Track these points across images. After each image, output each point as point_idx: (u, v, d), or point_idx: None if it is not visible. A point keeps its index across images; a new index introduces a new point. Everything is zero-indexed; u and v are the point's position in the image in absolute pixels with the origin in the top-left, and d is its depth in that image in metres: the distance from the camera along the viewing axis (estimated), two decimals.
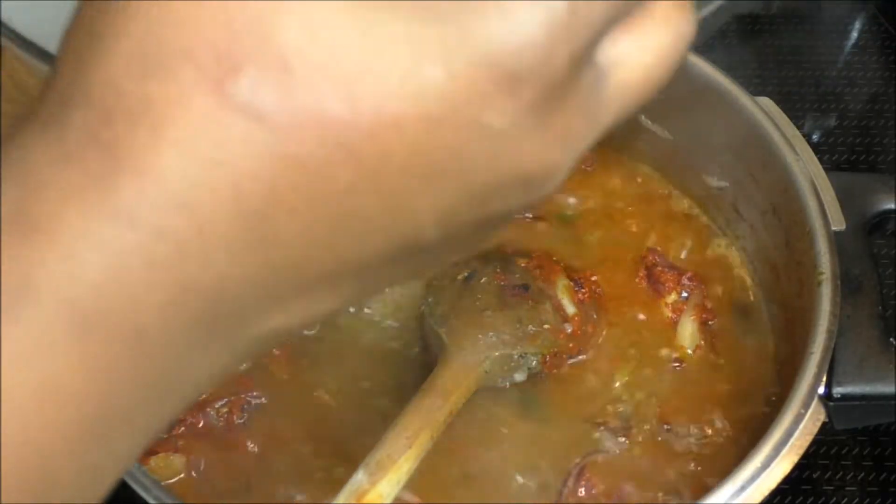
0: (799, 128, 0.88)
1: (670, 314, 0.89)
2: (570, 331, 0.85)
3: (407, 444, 0.73)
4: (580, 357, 0.86)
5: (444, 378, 0.79)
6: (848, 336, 0.77)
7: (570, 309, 0.87)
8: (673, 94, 0.92)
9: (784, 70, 1.20)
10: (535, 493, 0.79)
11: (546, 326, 0.85)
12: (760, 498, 0.67)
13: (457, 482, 0.80)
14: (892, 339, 0.78)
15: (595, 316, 0.88)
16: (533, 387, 0.84)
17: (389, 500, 0.71)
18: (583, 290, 0.88)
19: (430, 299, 0.88)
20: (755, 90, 0.90)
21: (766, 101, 0.89)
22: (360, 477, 0.70)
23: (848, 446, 0.92)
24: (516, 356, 0.83)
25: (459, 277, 0.89)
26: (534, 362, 0.83)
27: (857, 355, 0.76)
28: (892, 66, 1.20)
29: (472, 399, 0.81)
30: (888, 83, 1.17)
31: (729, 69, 0.91)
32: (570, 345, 0.85)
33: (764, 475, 0.68)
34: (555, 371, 0.85)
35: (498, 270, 0.88)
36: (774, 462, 0.68)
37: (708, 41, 1.18)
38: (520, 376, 0.83)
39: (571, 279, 0.89)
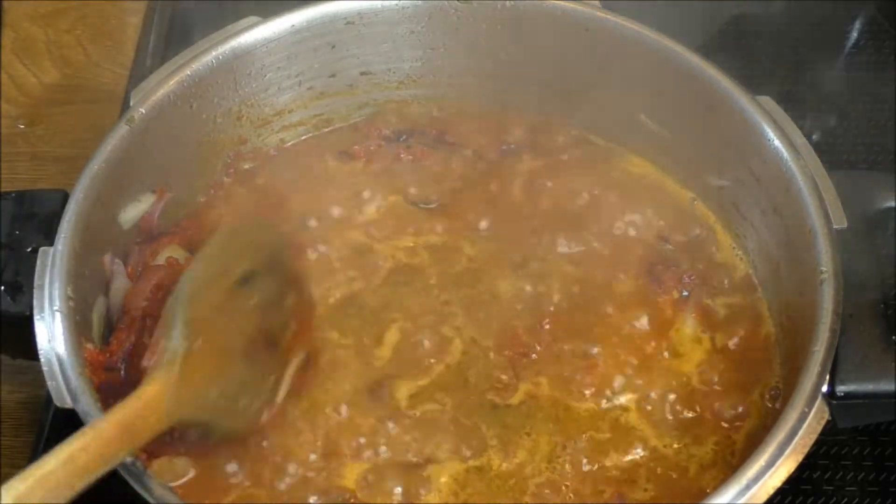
0: (799, 127, 0.88)
1: (671, 312, 0.89)
2: (264, 419, 0.79)
3: (73, 471, 0.64)
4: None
5: (139, 403, 0.70)
6: (850, 334, 0.77)
7: (281, 395, 0.81)
8: (673, 94, 0.94)
9: (784, 70, 1.20)
10: None
11: (254, 408, 0.78)
12: (765, 497, 0.67)
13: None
14: (894, 337, 0.78)
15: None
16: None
17: None
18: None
19: (193, 273, 0.78)
20: (755, 90, 0.90)
21: (766, 101, 0.89)
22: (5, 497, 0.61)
23: (848, 446, 0.92)
24: (211, 423, 0.76)
25: (238, 273, 0.79)
26: (216, 434, 0.76)
27: (860, 353, 0.76)
28: (892, 65, 1.20)
29: None
30: (888, 83, 1.17)
31: (729, 69, 0.92)
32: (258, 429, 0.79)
33: (768, 474, 0.68)
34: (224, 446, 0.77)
35: (273, 289, 0.80)
36: (779, 461, 0.68)
37: (708, 41, 1.18)
38: (192, 436, 0.76)
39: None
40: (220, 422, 0.76)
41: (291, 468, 0.79)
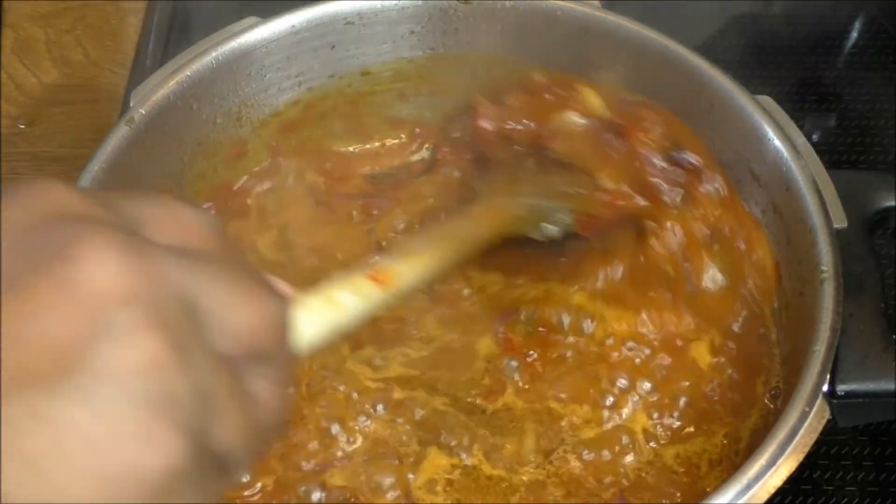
0: (799, 128, 0.88)
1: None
2: (606, 199, 0.85)
3: (430, 244, 0.73)
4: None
5: (474, 210, 0.80)
6: (850, 334, 0.77)
7: (609, 185, 0.86)
8: (673, 94, 0.94)
9: (784, 70, 1.20)
10: None
11: (581, 191, 0.85)
12: (766, 496, 0.67)
13: None
14: (894, 337, 0.78)
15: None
16: None
17: (403, 283, 0.67)
18: None
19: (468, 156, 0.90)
20: (755, 90, 0.90)
21: (766, 100, 0.89)
22: (383, 258, 0.68)
23: (848, 446, 0.92)
24: (546, 205, 0.83)
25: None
26: (566, 217, 0.84)
27: (860, 353, 0.76)
28: (892, 66, 1.20)
29: None
30: (888, 83, 1.17)
31: (729, 69, 0.92)
32: (607, 211, 0.85)
33: (769, 474, 0.67)
34: (590, 234, 0.85)
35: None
36: (780, 460, 0.68)
37: (708, 41, 1.18)
38: (552, 229, 0.83)
39: None
40: (556, 201, 0.83)
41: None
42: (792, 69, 1.20)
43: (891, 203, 0.85)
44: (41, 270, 0.36)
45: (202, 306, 0.40)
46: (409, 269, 0.69)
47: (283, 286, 0.51)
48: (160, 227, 0.42)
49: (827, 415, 0.71)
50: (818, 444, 0.70)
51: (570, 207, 0.84)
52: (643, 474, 0.80)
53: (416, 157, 1.03)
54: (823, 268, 0.78)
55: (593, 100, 0.87)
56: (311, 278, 0.55)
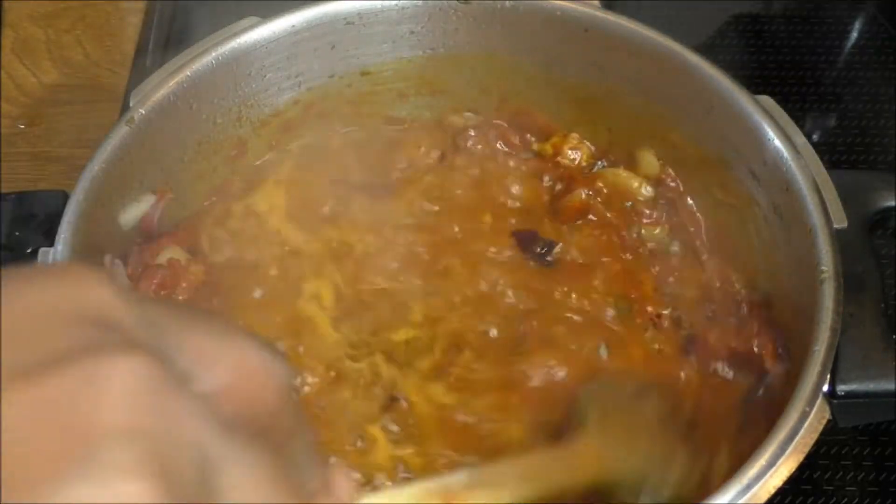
0: (799, 127, 0.88)
1: None
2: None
3: (517, 477, 0.68)
4: None
5: (575, 448, 0.72)
6: (851, 334, 0.77)
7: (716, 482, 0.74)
8: (673, 94, 0.94)
9: (784, 70, 1.20)
10: None
11: (697, 470, 0.76)
12: (766, 496, 0.67)
13: None
14: (894, 337, 0.78)
15: None
16: None
17: None
18: None
19: (591, 387, 0.81)
20: (755, 90, 0.90)
21: (766, 100, 0.89)
22: (460, 477, 0.64)
23: (848, 446, 0.92)
24: (651, 481, 0.74)
25: (629, 390, 0.81)
26: (665, 499, 0.74)
27: (861, 353, 0.76)
28: (892, 66, 1.20)
29: None
30: (888, 83, 1.18)
31: (729, 69, 0.92)
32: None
33: (769, 473, 0.67)
34: None
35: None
36: (780, 460, 0.68)
37: (708, 41, 1.18)
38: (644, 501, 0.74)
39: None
40: (666, 479, 0.75)
41: None
42: (792, 69, 1.21)
43: (891, 203, 0.85)
44: (45, 377, 0.31)
45: (219, 478, 0.34)
46: (485, 500, 0.63)
47: (341, 479, 0.45)
48: (213, 365, 0.36)
49: (827, 415, 0.71)
50: (818, 444, 0.70)
51: (674, 496, 0.74)
52: None
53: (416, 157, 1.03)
54: (823, 268, 0.77)
55: (652, 162, 0.86)
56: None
